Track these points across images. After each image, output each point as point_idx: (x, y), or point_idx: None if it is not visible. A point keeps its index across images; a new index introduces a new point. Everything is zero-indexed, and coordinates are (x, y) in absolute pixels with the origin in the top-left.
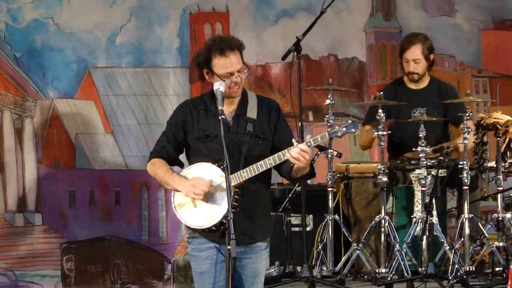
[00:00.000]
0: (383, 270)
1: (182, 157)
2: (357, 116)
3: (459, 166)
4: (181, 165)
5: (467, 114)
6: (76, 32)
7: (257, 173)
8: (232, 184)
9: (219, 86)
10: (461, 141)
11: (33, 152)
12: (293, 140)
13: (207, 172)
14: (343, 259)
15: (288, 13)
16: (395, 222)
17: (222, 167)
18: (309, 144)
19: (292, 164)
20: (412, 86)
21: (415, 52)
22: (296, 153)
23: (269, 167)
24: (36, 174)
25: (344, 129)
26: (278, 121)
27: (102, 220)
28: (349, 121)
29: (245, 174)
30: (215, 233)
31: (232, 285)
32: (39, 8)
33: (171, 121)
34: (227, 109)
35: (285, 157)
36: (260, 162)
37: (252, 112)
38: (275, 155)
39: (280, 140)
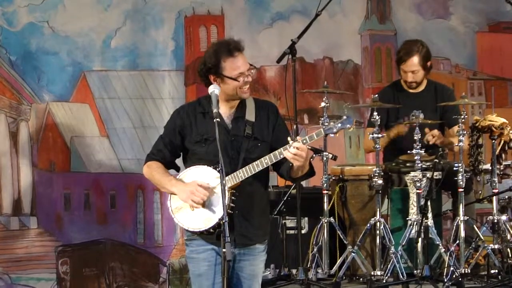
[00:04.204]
0: (379, 273)
1: (179, 161)
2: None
3: (454, 168)
4: (177, 169)
5: (462, 117)
6: (71, 35)
7: (253, 172)
8: (229, 185)
9: (213, 89)
10: (456, 143)
11: (28, 156)
12: (289, 138)
13: (203, 175)
14: (339, 261)
15: (283, 16)
16: (390, 225)
17: (218, 169)
18: (304, 141)
19: (291, 164)
20: (410, 89)
21: (413, 64)
22: (293, 153)
23: (265, 166)
24: (31, 177)
25: (340, 125)
26: (277, 122)
27: (97, 223)
28: (344, 117)
29: (242, 174)
30: (213, 235)
31: (229, 287)
32: (34, 12)
33: (168, 126)
34: (226, 112)
35: (281, 156)
36: (256, 162)
37: (250, 114)
38: (271, 154)
39: (279, 141)
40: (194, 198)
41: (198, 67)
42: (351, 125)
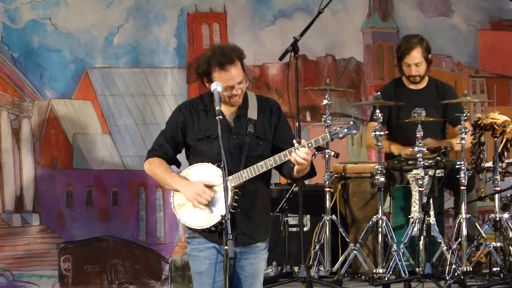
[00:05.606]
0: (381, 270)
1: (181, 157)
2: (355, 116)
3: (457, 166)
4: (179, 165)
5: (465, 115)
6: (73, 32)
7: (257, 173)
8: (232, 184)
9: (216, 87)
10: (458, 141)
11: (30, 152)
12: (294, 141)
13: (206, 173)
14: (341, 259)
15: (286, 13)
16: (392, 223)
17: (221, 167)
18: (310, 145)
19: (293, 165)
20: (412, 86)
21: (416, 56)
22: (298, 156)
23: (269, 167)
24: (34, 174)
25: (346, 130)
26: (279, 120)
27: (99, 220)
28: (351, 123)
29: (245, 174)
30: (215, 233)
31: (230, 285)
32: (36, 9)
33: (170, 122)
34: (228, 111)
35: (286, 159)
36: (260, 163)
37: (252, 113)
38: (276, 156)
39: (281, 139)
40: (200, 199)
41: (194, 66)
42: (357, 131)
